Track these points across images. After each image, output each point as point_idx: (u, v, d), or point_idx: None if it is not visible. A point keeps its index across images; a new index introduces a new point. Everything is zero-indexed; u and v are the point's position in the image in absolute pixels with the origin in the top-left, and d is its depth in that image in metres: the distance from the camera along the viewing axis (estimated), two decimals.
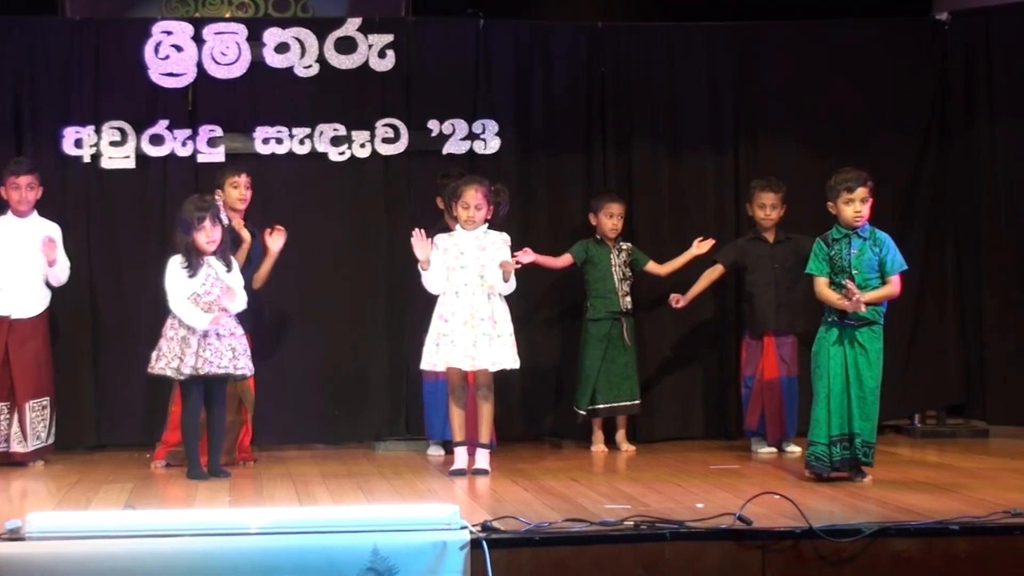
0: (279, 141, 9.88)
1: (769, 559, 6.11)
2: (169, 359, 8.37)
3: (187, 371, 8.32)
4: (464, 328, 8.48)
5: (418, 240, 8.52)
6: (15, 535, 5.87)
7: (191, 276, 8.41)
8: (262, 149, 9.86)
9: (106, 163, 9.76)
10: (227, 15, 10.42)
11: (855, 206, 8.00)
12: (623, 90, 10.29)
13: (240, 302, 8.50)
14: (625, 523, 6.25)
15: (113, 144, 9.75)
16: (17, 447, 9.05)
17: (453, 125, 10.03)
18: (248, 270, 8.97)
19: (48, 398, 9.19)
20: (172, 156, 9.80)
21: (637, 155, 10.28)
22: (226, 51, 9.85)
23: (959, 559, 6.17)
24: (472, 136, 10.04)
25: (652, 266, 9.81)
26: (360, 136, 9.94)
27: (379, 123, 9.98)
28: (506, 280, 8.52)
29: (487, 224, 8.64)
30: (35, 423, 9.10)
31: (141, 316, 9.42)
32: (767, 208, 9.56)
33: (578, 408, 9.74)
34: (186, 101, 9.91)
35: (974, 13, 10.39)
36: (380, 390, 10.03)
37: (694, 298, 9.65)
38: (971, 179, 10.33)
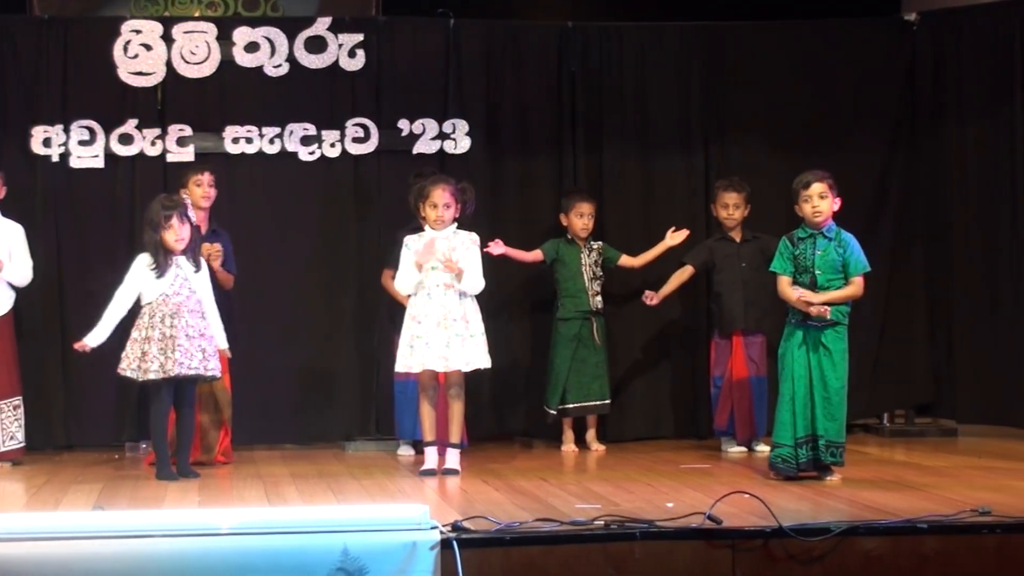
0: (249, 140, 9.86)
1: (739, 558, 6.12)
2: (131, 360, 8.34)
3: (152, 374, 8.29)
4: (437, 329, 8.47)
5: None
6: None
7: (159, 276, 8.37)
8: (232, 148, 9.84)
9: (75, 162, 9.72)
10: (196, 14, 10.40)
11: (812, 203, 8.03)
12: (593, 90, 10.29)
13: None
14: (595, 523, 6.25)
15: (82, 143, 9.72)
16: None
17: (423, 125, 10.02)
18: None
19: (19, 398, 9.17)
20: (141, 155, 9.78)
21: (607, 155, 10.30)
22: (195, 50, 9.83)
23: (928, 558, 6.19)
24: (442, 136, 10.04)
25: (626, 259, 9.82)
26: (330, 135, 9.93)
27: (349, 122, 9.97)
28: (459, 280, 8.50)
29: (455, 223, 8.64)
30: (8, 424, 9.07)
31: None
32: (730, 208, 9.59)
33: (548, 408, 9.75)
34: (155, 100, 9.88)
35: (942, 13, 10.43)
36: (350, 390, 10.02)
37: (665, 297, 9.67)
38: (940, 179, 10.37)
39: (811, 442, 7.94)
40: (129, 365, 8.34)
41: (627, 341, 10.21)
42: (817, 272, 8.00)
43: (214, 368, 8.44)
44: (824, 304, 7.89)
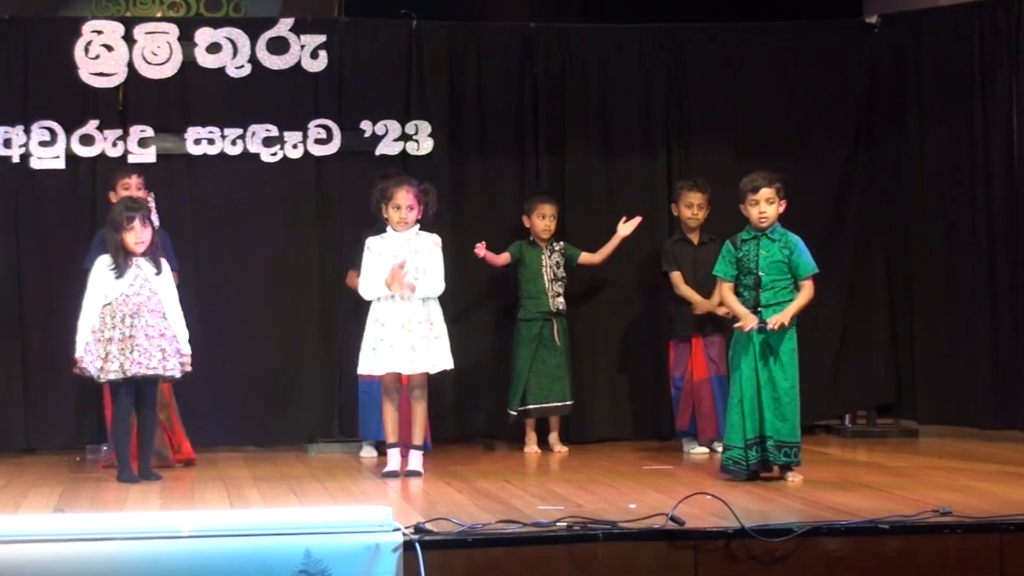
0: (211, 142, 9.83)
1: (701, 559, 6.13)
2: (93, 357, 8.32)
3: (112, 374, 8.26)
4: (402, 332, 8.46)
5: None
6: None
7: (118, 277, 8.35)
8: (194, 150, 9.81)
9: (35, 163, 9.67)
10: (158, 15, 10.35)
11: (760, 207, 8.06)
12: (556, 91, 10.30)
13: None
14: (558, 524, 6.26)
15: (43, 144, 9.67)
16: None
17: (386, 126, 10.01)
18: None
19: None
20: (103, 156, 9.73)
21: (570, 156, 10.30)
22: (157, 51, 9.80)
23: (889, 558, 6.21)
24: (405, 137, 10.03)
25: (585, 256, 9.82)
26: (292, 137, 9.91)
27: (311, 124, 9.95)
28: (412, 291, 8.49)
29: (418, 225, 8.63)
30: None
31: (70, 318, 9.29)
32: (694, 208, 9.61)
33: (509, 409, 9.75)
34: (117, 101, 9.84)
35: (903, 16, 10.47)
36: (313, 392, 10.00)
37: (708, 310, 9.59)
38: (901, 180, 10.41)
39: (760, 443, 7.97)
40: (92, 363, 8.31)
41: (589, 342, 10.21)
42: (762, 273, 8.03)
43: (173, 368, 8.42)
44: (780, 321, 7.89)
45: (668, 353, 9.77)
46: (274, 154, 9.91)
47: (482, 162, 10.24)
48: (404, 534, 5.89)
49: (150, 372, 8.33)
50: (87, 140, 9.72)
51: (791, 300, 8.01)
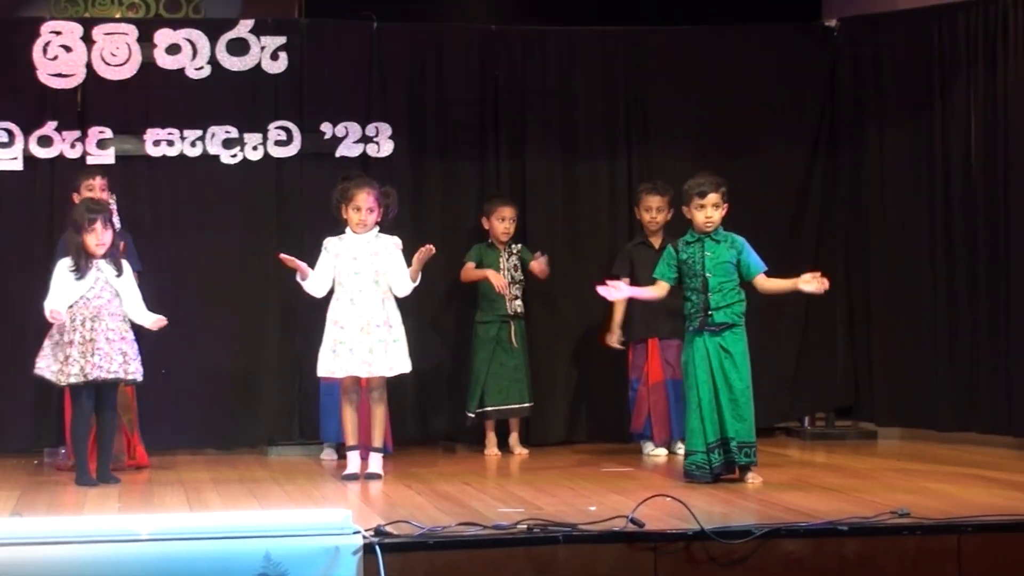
0: (170, 143, 9.79)
1: (661, 561, 6.14)
2: (50, 361, 8.29)
3: (73, 378, 8.23)
4: (360, 335, 8.45)
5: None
6: None
7: (79, 278, 8.33)
8: (153, 151, 9.77)
9: None
10: (117, 15, 10.32)
11: (706, 212, 8.10)
12: (517, 94, 10.31)
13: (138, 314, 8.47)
14: (518, 526, 6.26)
15: (0, 145, 9.62)
16: None
17: (346, 128, 10.00)
18: None
19: None
20: (61, 158, 9.68)
21: (530, 158, 10.31)
22: (116, 52, 9.76)
23: (848, 559, 6.23)
24: (365, 139, 10.01)
25: (533, 265, 9.83)
26: (252, 138, 9.88)
27: (271, 125, 9.93)
28: (414, 279, 8.51)
29: (378, 227, 8.62)
30: None
31: (29, 319, 9.26)
32: (653, 211, 9.63)
33: (467, 411, 9.75)
34: (75, 102, 9.80)
35: (862, 20, 10.52)
36: (272, 394, 9.98)
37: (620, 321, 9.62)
38: (860, 183, 10.46)
39: (723, 445, 8.00)
40: (49, 366, 8.28)
41: (549, 345, 10.22)
42: (708, 275, 8.06)
43: (135, 372, 8.40)
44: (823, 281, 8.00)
45: (627, 355, 9.79)
46: (234, 156, 9.88)
47: (443, 164, 10.23)
48: (364, 537, 5.88)
49: (111, 376, 8.30)
50: (45, 141, 9.67)
51: (739, 301, 8.06)
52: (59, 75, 9.71)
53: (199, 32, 9.85)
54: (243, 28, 9.90)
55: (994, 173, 9.68)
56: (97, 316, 8.31)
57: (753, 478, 7.99)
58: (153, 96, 9.85)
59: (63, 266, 8.38)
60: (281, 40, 9.93)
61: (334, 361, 8.49)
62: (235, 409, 9.92)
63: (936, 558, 6.27)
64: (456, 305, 10.11)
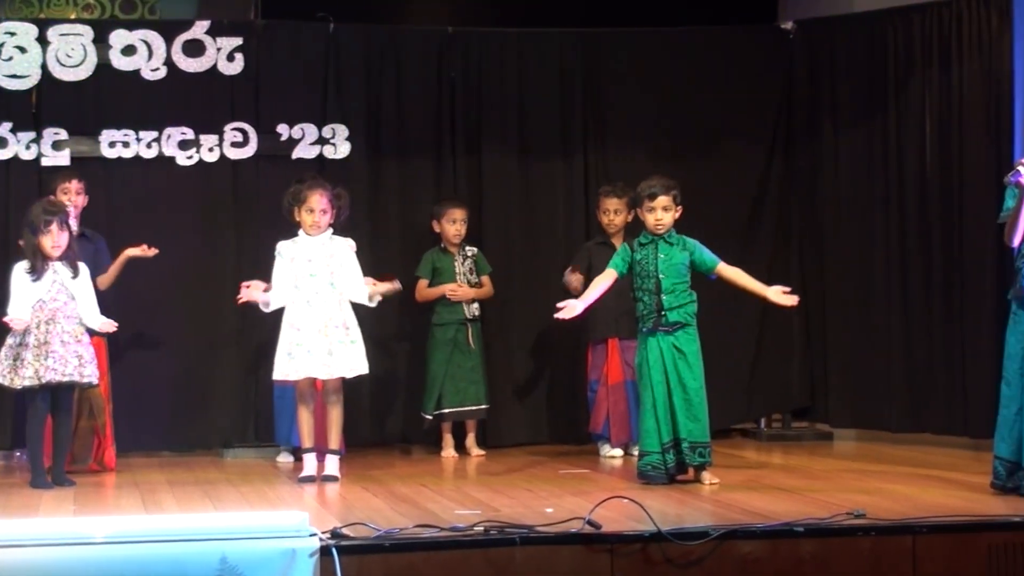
0: (126, 145, 9.76)
1: (618, 562, 6.15)
2: (4, 367, 8.25)
3: (27, 380, 8.19)
4: (319, 337, 8.42)
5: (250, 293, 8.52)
6: None
7: (35, 280, 8.29)
8: (108, 153, 9.73)
9: None
10: (72, 16, 10.28)
11: (656, 214, 8.13)
12: (473, 95, 10.31)
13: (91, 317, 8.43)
14: (475, 528, 6.25)
15: None
16: None
17: (303, 129, 9.98)
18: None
19: None
20: (16, 159, 9.64)
21: (487, 160, 10.31)
22: (72, 53, 9.71)
23: (804, 560, 6.25)
24: (322, 141, 10.00)
25: (485, 280, 9.83)
26: (208, 140, 9.85)
27: (228, 127, 9.90)
28: (371, 301, 8.51)
29: (331, 229, 8.60)
30: None
31: None
32: (611, 213, 9.64)
33: (424, 413, 9.75)
34: (30, 103, 9.75)
35: (817, 22, 10.56)
36: (229, 396, 9.95)
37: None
38: (815, 185, 10.50)
39: (676, 446, 8.02)
40: (2, 372, 8.24)
41: (507, 346, 10.23)
42: (662, 276, 8.09)
43: (90, 375, 8.37)
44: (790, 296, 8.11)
45: (586, 356, 9.80)
46: (190, 157, 9.85)
47: (400, 166, 10.23)
48: (321, 539, 5.86)
49: (66, 379, 8.27)
50: (0, 143, 9.62)
51: (691, 302, 8.10)
52: (14, 76, 9.66)
53: (155, 33, 9.82)
54: (199, 29, 9.87)
55: (949, 174, 9.74)
56: (52, 319, 8.27)
57: (710, 479, 8.01)
58: (109, 97, 9.81)
59: (20, 269, 8.35)
60: (237, 41, 9.90)
61: (290, 364, 8.46)
62: (191, 411, 9.89)
63: (891, 559, 6.29)
64: (411, 307, 10.08)
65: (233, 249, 9.95)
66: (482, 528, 6.24)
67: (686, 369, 8.05)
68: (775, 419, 10.79)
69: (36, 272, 8.30)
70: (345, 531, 6.08)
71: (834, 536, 6.33)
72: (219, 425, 9.95)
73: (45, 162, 9.61)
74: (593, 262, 9.65)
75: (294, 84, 10.05)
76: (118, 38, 9.77)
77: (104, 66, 9.76)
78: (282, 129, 9.95)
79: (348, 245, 8.60)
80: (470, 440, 9.81)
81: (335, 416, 8.58)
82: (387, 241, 10.03)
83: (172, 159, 9.83)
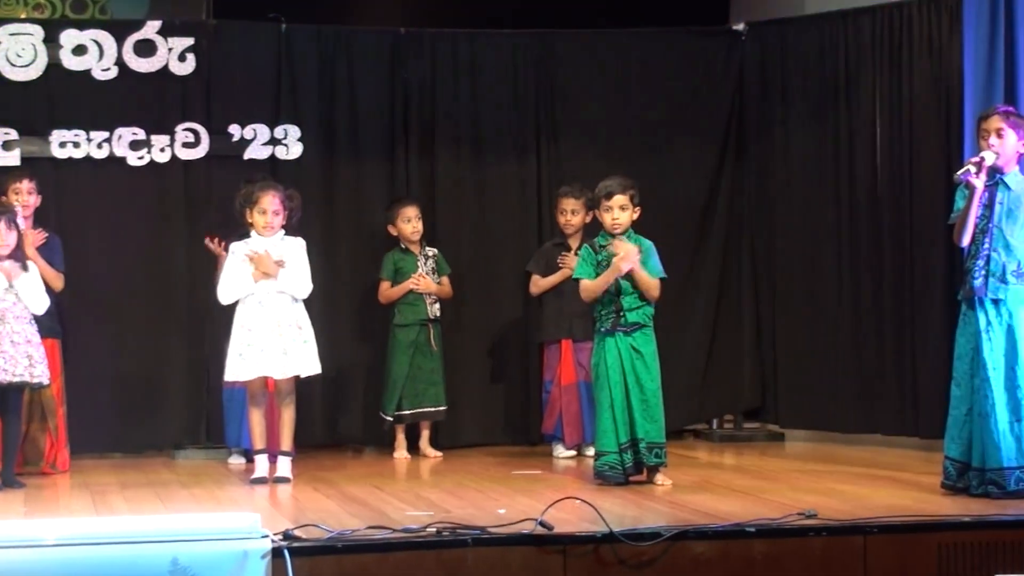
0: (76, 145, 9.70)
1: (570, 563, 6.16)
2: None
3: None
4: (272, 336, 8.39)
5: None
6: None
7: None
8: (59, 153, 9.68)
9: None
10: (23, 16, 10.21)
11: (613, 213, 8.15)
12: (426, 96, 10.30)
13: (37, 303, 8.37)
14: (427, 530, 6.26)
15: None
16: None
17: (255, 130, 9.95)
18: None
19: None
20: None
21: (440, 161, 10.30)
22: (22, 52, 9.65)
23: (756, 560, 6.28)
24: (274, 141, 9.97)
25: (445, 281, 9.83)
26: (160, 140, 9.81)
27: (179, 127, 9.86)
28: (275, 275, 8.43)
29: (283, 231, 8.58)
30: None
31: None
32: (568, 214, 9.64)
33: (384, 414, 9.73)
34: None
35: (769, 24, 10.60)
36: (180, 398, 9.91)
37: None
38: (766, 187, 10.53)
39: (633, 446, 8.04)
40: None
41: (462, 347, 10.22)
42: (622, 278, 8.09)
43: (41, 375, 8.30)
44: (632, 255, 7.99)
45: (540, 356, 9.81)
46: (141, 158, 9.80)
47: (352, 166, 10.21)
48: (273, 541, 5.85)
49: (16, 379, 8.20)
50: None
51: (649, 303, 8.12)
52: None
53: (106, 33, 9.77)
54: (150, 29, 9.82)
55: (899, 175, 9.78)
56: (2, 319, 8.21)
57: (662, 480, 8.03)
58: (59, 97, 9.76)
59: None
60: (189, 41, 9.86)
61: (241, 365, 8.43)
62: (142, 413, 9.84)
63: (842, 559, 6.33)
64: (367, 307, 10.07)
65: (184, 249, 9.90)
66: (434, 529, 6.25)
67: (644, 370, 8.07)
68: (727, 420, 10.82)
69: None
70: (297, 532, 6.07)
71: (785, 536, 6.36)
72: (171, 427, 9.90)
73: None
74: (551, 264, 9.67)
75: (246, 84, 10.02)
76: (69, 38, 9.72)
77: (55, 66, 9.70)
78: (234, 130, 9.92)
79: (299, 244, 8.57)
80: (424, 441, 9.80)
81: (287, 417, 8.56)
82: (339, 242, 10.01)
83: (123, 159, 9.78)
